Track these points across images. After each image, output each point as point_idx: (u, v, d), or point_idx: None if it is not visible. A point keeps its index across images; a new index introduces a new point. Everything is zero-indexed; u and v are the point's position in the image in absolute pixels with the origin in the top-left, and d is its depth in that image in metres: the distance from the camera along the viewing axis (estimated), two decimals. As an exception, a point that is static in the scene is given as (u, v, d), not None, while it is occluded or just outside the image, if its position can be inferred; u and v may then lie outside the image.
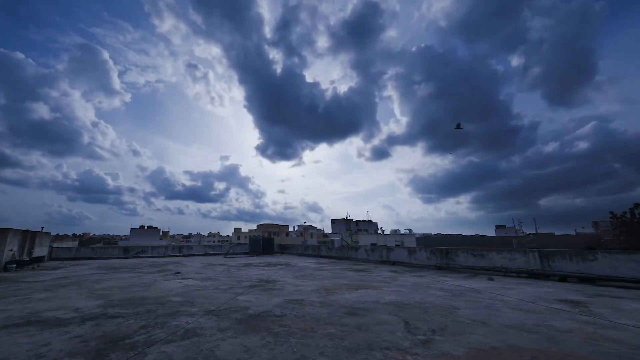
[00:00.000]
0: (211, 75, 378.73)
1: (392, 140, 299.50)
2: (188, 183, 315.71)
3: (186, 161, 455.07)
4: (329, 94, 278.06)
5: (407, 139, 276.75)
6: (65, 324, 5.52)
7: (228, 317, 5.99)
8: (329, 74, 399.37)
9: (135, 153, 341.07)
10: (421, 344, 4.47)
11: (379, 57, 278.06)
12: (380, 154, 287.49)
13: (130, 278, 12.19)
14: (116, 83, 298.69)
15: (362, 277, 12.53)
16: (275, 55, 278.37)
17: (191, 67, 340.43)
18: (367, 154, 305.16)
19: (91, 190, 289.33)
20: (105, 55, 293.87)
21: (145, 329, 5.18)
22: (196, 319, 5.85)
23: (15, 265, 15.28)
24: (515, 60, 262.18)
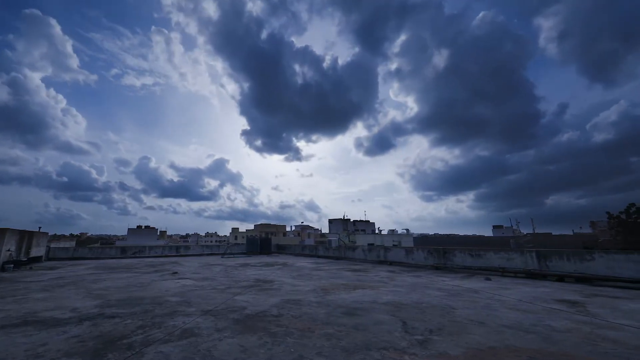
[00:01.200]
0: (182, 48, 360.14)
1: (397, 129, 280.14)
2: (176, 178, 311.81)
3: (171, 153, 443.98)
4: (326, 64, 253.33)
5: (414, 127, 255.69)
6: (62, 324, 5.53)
7: (225, 317, 6.01)
8: (325, 41, 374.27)
9: (114, 144, 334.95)
10: (418, 344, 4.49)
11: (384, 18, 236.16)
12: (382, 145, 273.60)
13: (128, 278, 12.18)
14: (74, 62, 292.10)
15: (360, 277, 12.57)
16: (259, 11, 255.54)
17: (159, 32, 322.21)
18: (367, 144, 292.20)
19: (78, 187, 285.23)
20: (57, 27, 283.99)
21: (143, 329, 5.19)
22: (193, 319, 5.87)
23: (12, 265, 15.26)
24: (545, 24, 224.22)
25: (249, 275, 13.39)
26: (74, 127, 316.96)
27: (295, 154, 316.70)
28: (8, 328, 5.32)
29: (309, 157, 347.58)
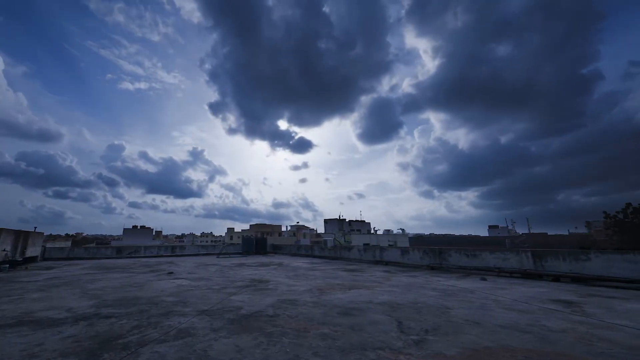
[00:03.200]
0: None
1: (410, 102, 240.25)
2: (151, 169, 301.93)
3: (146, 143, 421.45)
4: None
5: (429, 98, 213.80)
6: (58, 324, 5.54)
7: (221, 317, 6.04)
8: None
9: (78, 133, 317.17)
10: (414, 344, 4.52)
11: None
12: (387, 129, 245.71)
13: (123, 278, 12.16)
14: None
15: (355, 277, 12.63)
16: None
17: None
18: (368, 125, 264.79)
19: (56, 181, 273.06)
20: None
21: (138, 329, 5.21)
22: (189, 319, 5.89)
23: (8, 265, 15.16)
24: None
25: (245, 275, 13.41)
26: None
27: (285, 141, 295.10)
28: (3, 328, 5.31)
29: (301, 146, 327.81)
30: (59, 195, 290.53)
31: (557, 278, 10.98)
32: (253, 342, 4.59)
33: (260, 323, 5.63)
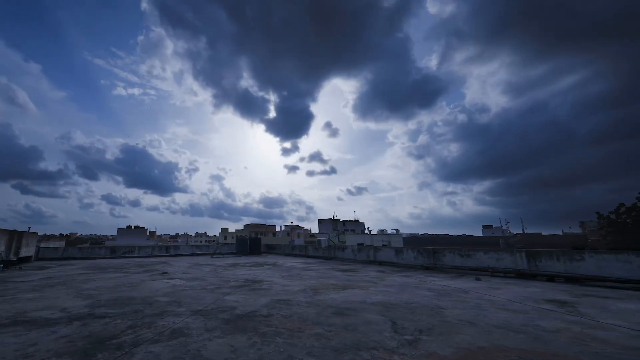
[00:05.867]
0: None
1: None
2: (118, 155, 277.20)
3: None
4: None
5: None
6: (52, 324, 5.55)
7: (215, 317, 6.07)
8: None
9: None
10: (408, 344, 4.54)
11: None
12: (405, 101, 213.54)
13: (118, 278, 12.13)
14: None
15: (349, 277, 12.70)
16: None
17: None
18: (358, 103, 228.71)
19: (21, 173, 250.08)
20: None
21: (133, 329, 5.24)
22: (183, 319, 5.92)
23: (2, 265, 15.06)
24: None
25: (239, 275, 13.43)
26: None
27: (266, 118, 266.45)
28: (-4, 328, 5.31)
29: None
30: (23, 189, 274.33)
31: (551, 278, 11.06)
32: (247, 342, 4.63)
33: (254, 323, 5.67)
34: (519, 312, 6.53)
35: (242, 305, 7.19)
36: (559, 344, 4.49)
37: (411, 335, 4.93)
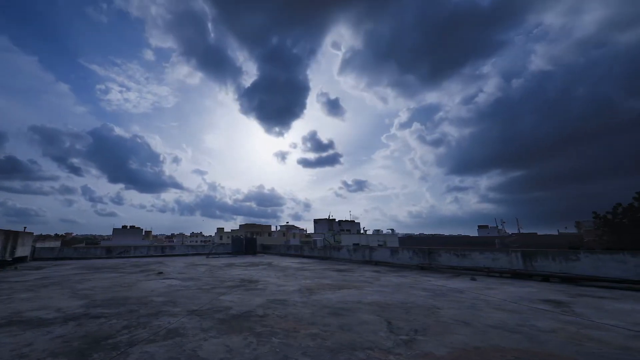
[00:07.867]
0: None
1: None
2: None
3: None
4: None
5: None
6: (47, 324, 5.55)
7: (211, 317, 6.10)
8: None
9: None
10: (404, 344, 4.55)
11: None
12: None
13: (113, 278, 12.10)
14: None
15: (345, 277, 12.74)
16: None
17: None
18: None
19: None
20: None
21: (128, 329, 5.25)
22: (179, 319, 5.94)
23: (-4, 265, 14.99)
24: None
25: (234, 275, 13.44)
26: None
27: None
28: (-9, 329, 5.31)
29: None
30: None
31: (546, 278, 11.10)
32: (243, 342, 4.65)
33: (249, 323, 5.70)
34: (515, 312, 6.56)
35: (238, 305, 7.22)
36: (554, 344, 4.51)
37: (407, 335, 4.95)
